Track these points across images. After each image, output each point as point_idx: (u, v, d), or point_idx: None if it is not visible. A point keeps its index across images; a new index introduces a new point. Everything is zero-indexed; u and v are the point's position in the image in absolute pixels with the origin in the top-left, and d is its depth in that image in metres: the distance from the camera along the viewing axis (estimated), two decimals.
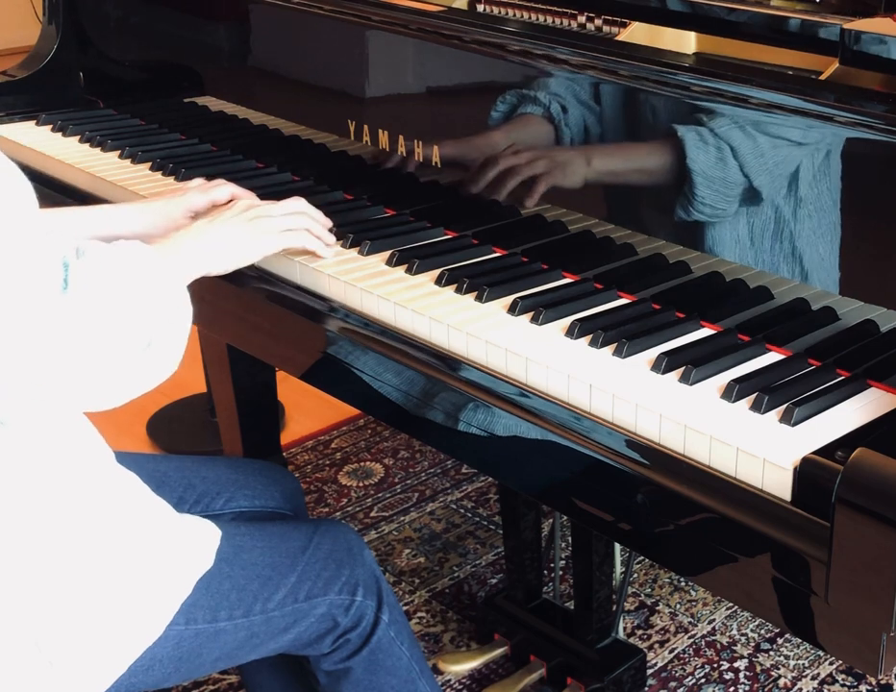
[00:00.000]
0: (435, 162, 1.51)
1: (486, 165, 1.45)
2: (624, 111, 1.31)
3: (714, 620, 2.11)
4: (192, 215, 1.47)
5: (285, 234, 1.39)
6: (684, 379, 1.16)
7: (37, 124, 2.04)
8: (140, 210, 1.46)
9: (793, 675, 1.98)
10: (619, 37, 1.40)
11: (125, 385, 1.10)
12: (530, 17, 1.53)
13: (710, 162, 1.22)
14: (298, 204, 1.44)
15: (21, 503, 1.13)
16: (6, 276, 0.98)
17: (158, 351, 1.11)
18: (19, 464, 1.13)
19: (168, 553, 1.22)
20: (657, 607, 2.15)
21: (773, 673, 1.98)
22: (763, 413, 1.09)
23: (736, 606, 2.12)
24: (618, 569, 1.82)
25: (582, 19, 1.47)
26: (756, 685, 1.96)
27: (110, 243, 1.14)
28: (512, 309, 1.31)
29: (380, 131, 1.58)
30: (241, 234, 1.34)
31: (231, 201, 1.51)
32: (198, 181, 1.55)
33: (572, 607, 1.82)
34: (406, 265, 1.43)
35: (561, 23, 1.49)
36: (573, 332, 1.25)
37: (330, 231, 1.47)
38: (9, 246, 0.99)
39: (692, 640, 2.07)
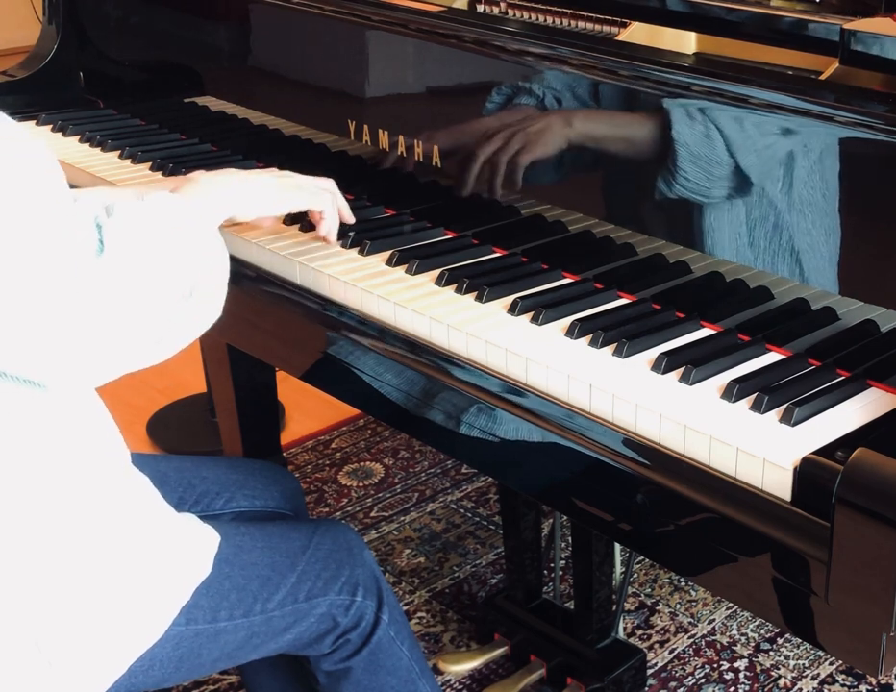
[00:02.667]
0: (435, 162, 1.51)
1: (487, 164, 1.45)
2: (625, 111, 1.31)
3: (714, 620, 2.11)
4: None
5: (309, 193, 1.40)
6: (684, 379, 1.16)
7: (37, 124, 2.04)
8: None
9: (793, 675, 1.98)
10: (619, 37, 1.40)
11: (172, 337, 1.11)
12: (530, 17, 1.53)
13: (697, 140, 1.21)
14: (328, 183, 1.45)
15: (27, 502, 1.13)
16: (43, 244, 0.99)
17: (200, 298, 1.12)
18: (48, 437, 1.13)
19: (169, 556, 1.22)
20: (657, 607, 2.15)
21: (773, 673, 1.98)
22: (763, 413, 1.09)
23: (736, 606, 2.12)
24: (618, 569, 1.82)
25: (582, 20, 1.47)
26: (756, 685, 1.96)
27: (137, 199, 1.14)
28: (512, 309, 1.31)
29: (380, 131, 1.58)
30: (269, 184, 1.37)
31: None
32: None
33: (572, 607, 1.82)
34: (406, 265, 1.43)
35: (561, 23, 1.49)
36: (573, 332, 1.25)
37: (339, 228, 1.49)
38: (43, 213, 0.99)
39: (692, 640, 2.07)
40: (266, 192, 1.36)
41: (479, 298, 1.34)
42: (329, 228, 1.45)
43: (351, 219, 1.49)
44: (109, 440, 1.22)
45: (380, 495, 2.52)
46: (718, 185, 1.23)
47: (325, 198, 1.43)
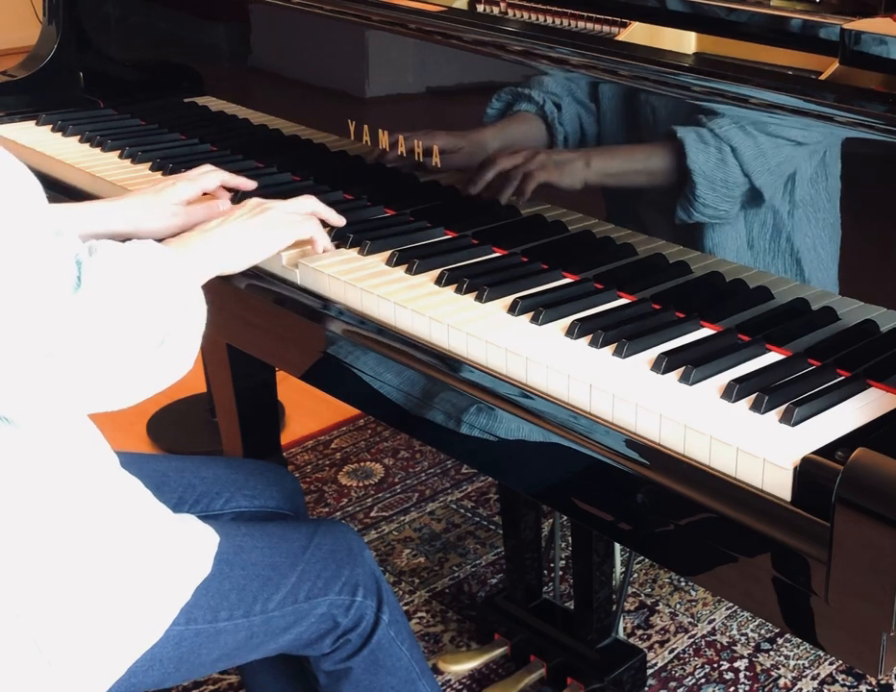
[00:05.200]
0: (435, 163, 1.51)
1: (488, 166, 1.45)
2: (624, 112, 1.31)
3: (714, 620, 2.11)
4: (184, 205, 1.47)
5: (293, 226, 1.39)
6: (684, 379, 1.16)
7: (37, 124, 2.04)
8: (130, 205, 1.46)
9: (793, 675, 1.98)
10: (619, 37, 1.40)
11: (138, 384, 1.10)
12: (530, 17, 1.53)
13: (711, 163, 1.22)
14: (308, 202, 1.44)
15: (25, 504, 1.13)
16: (20, 275, 0.98)
17: (171, 348, 1.11)
18: (26, 464, 1.13)
19: (168, 557, 1.22)
20: (657, 607, 2.15)
21: (773, 673, 1.98)
22: (763, 413, 1.09)
23: (736, 606, 2.12)
24: (618, 569, 1.82)
25: (582, 20, 1.47)
26: (756, 685, 1.96)
27: (122, 242, 1.14)
28: (512, 309, 1.31)
29: (380, 131, 1.58)
30: (251, 230, 1.35)
31: (230, 193, 1.52)
32: (201, 169, 1.55)
33: (572, 607, 1.82)
34: (406, 265, 1.43)
35: (562, 23, 1.49)
36: (573, 332, 1.25)
37: (339, 228, 1.49)
38: (22, 245, 0.99)
39: (692, 640, 2.07)
40: (251, 241, 1.34)
41: (479, 298, 1.34)
42: (322, 245, 1.44)
43: (341, 222, 1.49)
44: (94, 445, 1.22)
45: (380, 495, 2.52)
46: (720, 192, 1.23)
47: (308, 225, 1.41)
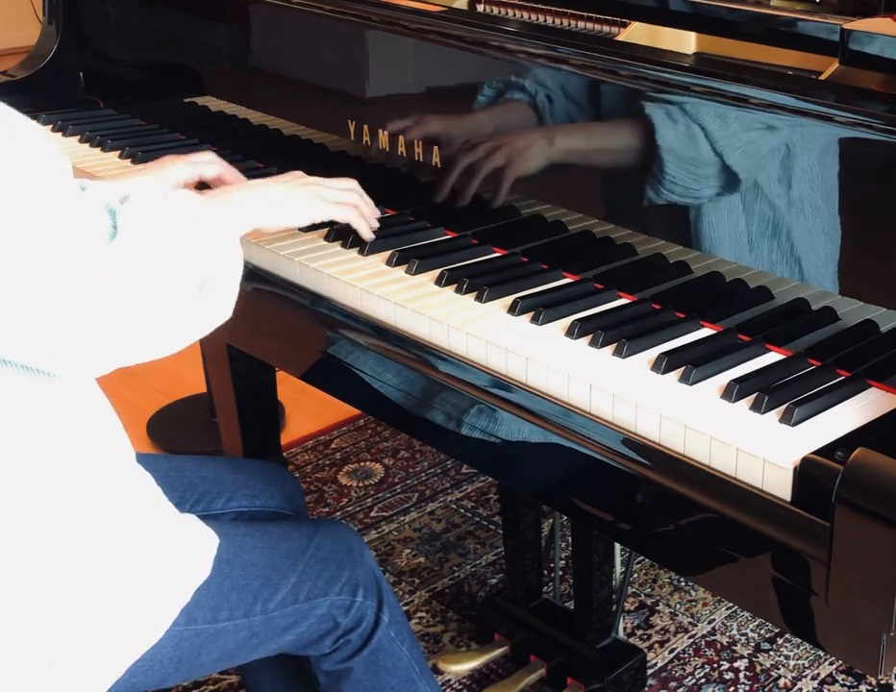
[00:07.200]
0: (435, 163, 1.51)
1: (490, 164, 1.45)
2: (623, 109, 1.31)
3: (714, 620, 2.11)
4: (181, 188, 1.48)
5: (335, 205, 1.40)
6: (684, 379, 1.16)
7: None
8: (132, 186, 1.46)
9: (793, 675, 1.98)
10: (619, 37, 1.40)
11: (179, 331, 1.11)
12: (530, 17, 1.53)
13: (680, 141, 1.22)
14: (350, 183, 1.46)
15: (28, 501, 1.12)
16: (55, 229, 0.99)
17: (210, 294, 1.12)
18: (43, 451, 1.12)
19: (169, 557, 1.22)
20: (657, 607, 2.15)
21: (773, 673, 1.98)
22: (763, 413, 1.09)
23: (736, 606, 2.12)
24: (618, 569, 1.82)
25: (582, 20, 1.47)
26: (756, 685, 1.96)
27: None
28: (512, 309, 1.31)
29: (380, 131, 1.58)
30: (293, 194, 1.37)
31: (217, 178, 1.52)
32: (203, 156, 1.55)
33: (572, 607, 1.82)
34: (406, 265, 1.43)
35: (562, 23, 1.49)
36: (573, 332, 1.25)
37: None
38: (53, 200, 0.99)
39: (692, 640, 2.06)
40: (291, 204, 1.36)
41: (479, 298, 1.34)
42: (366, 235, 1.47)
43: (376, 214, 1.50)
44: (113, 438, 1.22)
45: (380, 495, 2.52)
46: (713, 186, 1.23)
47: (348, 210, 1.43)
